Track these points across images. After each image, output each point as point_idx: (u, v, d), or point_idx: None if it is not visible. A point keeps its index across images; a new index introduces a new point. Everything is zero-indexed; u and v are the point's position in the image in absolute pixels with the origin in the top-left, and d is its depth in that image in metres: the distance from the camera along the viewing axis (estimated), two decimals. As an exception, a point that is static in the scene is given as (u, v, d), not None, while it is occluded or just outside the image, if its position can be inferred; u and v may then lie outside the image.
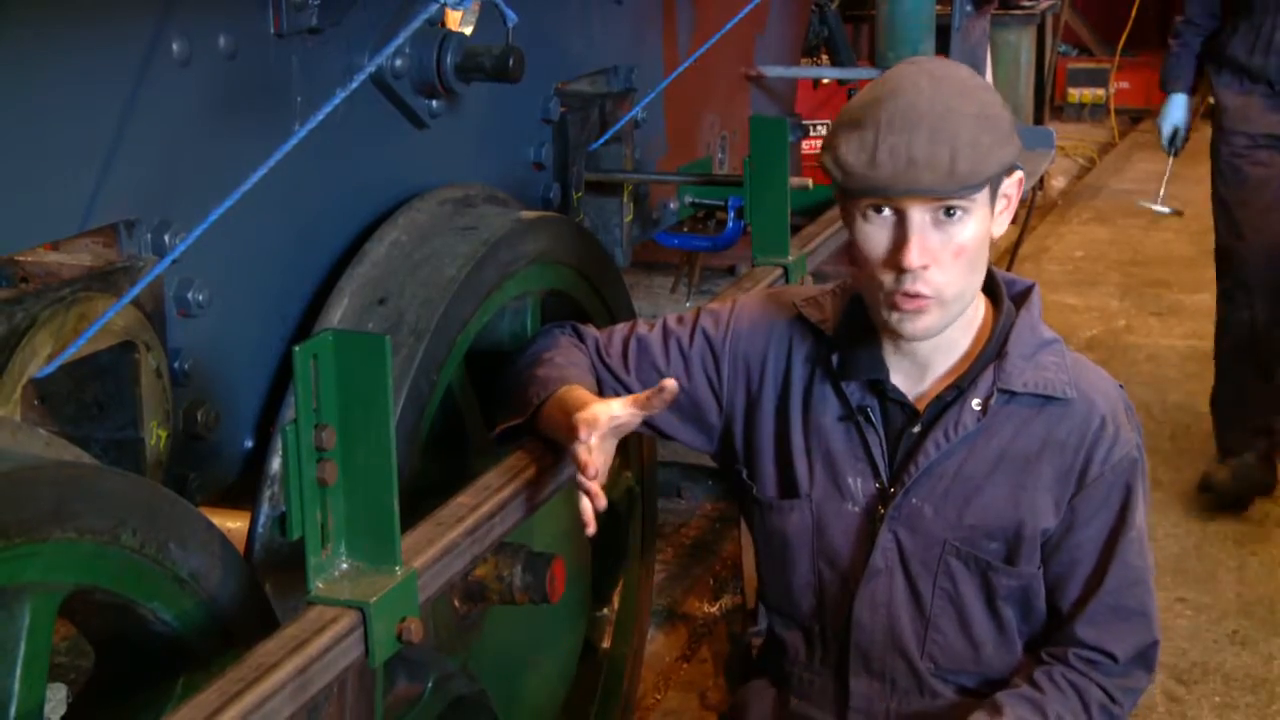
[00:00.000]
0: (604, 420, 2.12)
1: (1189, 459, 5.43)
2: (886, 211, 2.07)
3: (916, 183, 2.01)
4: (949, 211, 2.05)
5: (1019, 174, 2.15)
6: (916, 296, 2.07)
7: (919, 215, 2.05)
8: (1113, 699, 2.22)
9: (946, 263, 2.06)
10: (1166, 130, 5.23)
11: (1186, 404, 5.97)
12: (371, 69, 1.97)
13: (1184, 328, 7.07)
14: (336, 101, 1.96)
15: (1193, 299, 7.51)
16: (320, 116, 1.96)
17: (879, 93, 2.07)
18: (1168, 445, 5.56)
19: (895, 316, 2.11)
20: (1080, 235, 8.97)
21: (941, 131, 2.01)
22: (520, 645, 2.79)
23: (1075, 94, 12.31)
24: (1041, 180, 8.83)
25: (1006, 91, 7.57)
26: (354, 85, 1.96)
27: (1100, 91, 12.16)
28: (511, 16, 2.10)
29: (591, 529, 2.16)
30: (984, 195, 2.07)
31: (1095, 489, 2.19)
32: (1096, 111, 12.16)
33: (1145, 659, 2.24)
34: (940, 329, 2.14)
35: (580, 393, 2.23)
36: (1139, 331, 7.09)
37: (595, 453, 2.11)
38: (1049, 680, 2.21)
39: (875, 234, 2.08)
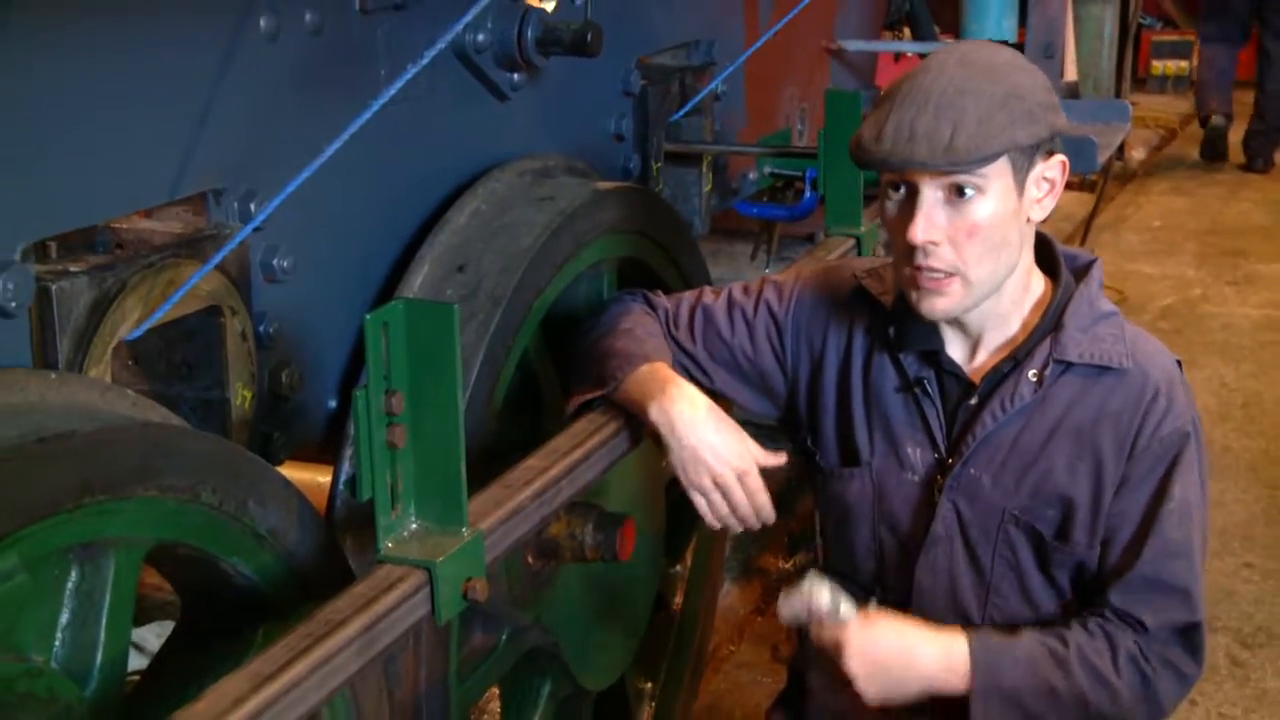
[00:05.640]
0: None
1: (1260, 426, 5.32)
2: (903, 190, 2.03)
3: (912, 156, 1.96)
4: (961, 191, 1.99)
5: (1059, 158, 2.07)
6: (935, 275, 2.02)
7: (930, 193, 2.00)
8: (1147, 659, 2.09)
9: (960, 241, 2.01)
10: None
11: (1259, 372, 5.84)
12: (443, 44, 1.95)
13: (1259, 297, 6.91)
14: (410, 74, 1.94)
15: (1270, 268, 7.33)
16: (395, 88, 1.95)
17: (909, 74, 2.03)
18: (1239, 413, 5.44)
19: (915, 295, 2.07)
20: (1159, 205, 8.78)
21: (948, 108, 1.96)
22: (593, 600, 2.77)
23: (1159, 66, 11.99)
24: (1122, 150, 8.66)
25: (1090, 63, 7.39)
26: (426, 60, 1.94)
27: (1183, 64, 11.85)
28: (581, -8, 2.07)
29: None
30: (1001, 177, 2.00)
31: (1143, 459, 2.11)
32: (1180, 83, 11.86)
33: (1186, 638, 2.11)
34: (962, 310, 2.08)
35: (665, 372, 2.22)
36: (1214, 300, 6.93)
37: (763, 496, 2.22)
38: (1079, 622, 2.12)
39: (893, 210, 2.05)
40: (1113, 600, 2.11)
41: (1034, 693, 2.06)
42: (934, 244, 2.00)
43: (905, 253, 2.04)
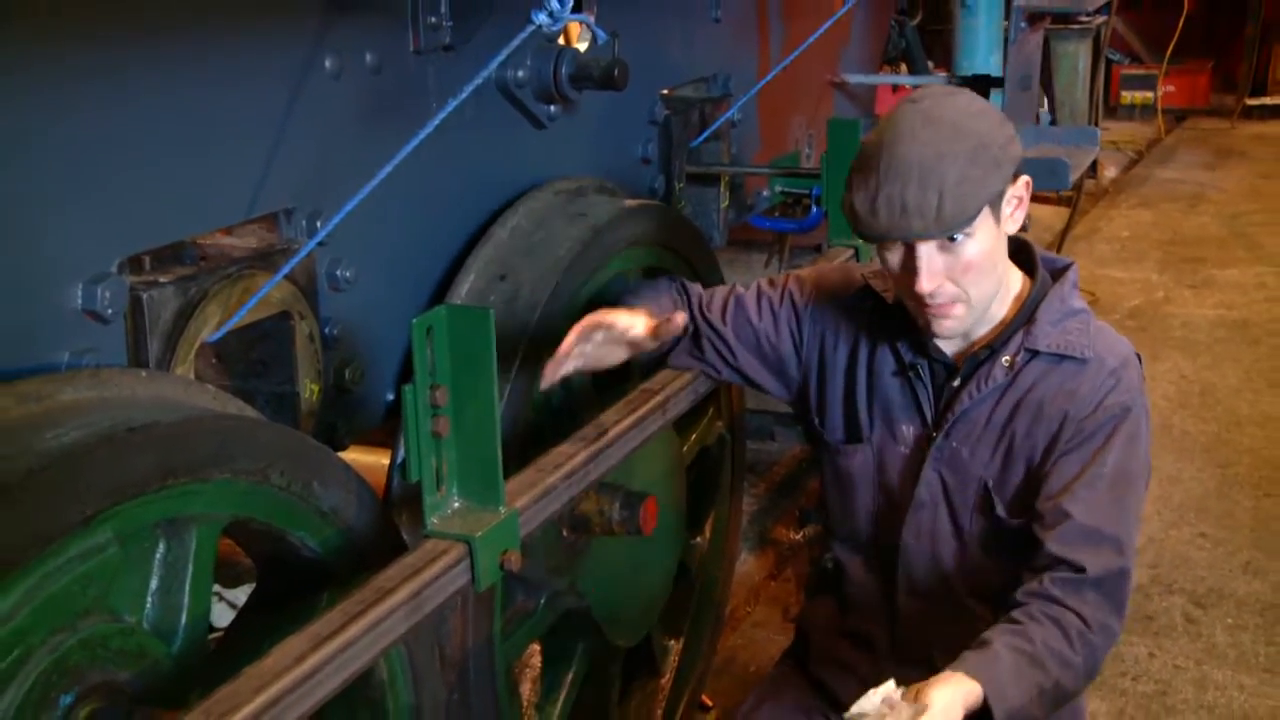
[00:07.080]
0: (598, 319, 2.13)
1: (1214, 413, 5.23)
2: (900, 246, 2.00)
3: (908, 230, 1.93)
4: (951, 238, 1.96)
5: (1024, 178, 2.03)
6: (941, 304, 2.02)
7: (926, 247, 1.98)
8: (1088, 625, 1.97)
9: (958, 276, 2.00)
10: None
11: (1214, 365, 5.76)
12: (480, 80, 1.92)
13: (1215, 299, 6.82)
14: (452, 107, 1.92)
15: (1224, 273, 7.24)
16: (439, 119, 1.92)
17: (882, 138, 1.97)
18: (1196, 401, 5.36)
19: (926, 321, 2.07)
20: (1128, 218, 8.68)
21: (931, 176, 1.91)
22: (623, 567, 2.74)
23: (1127, 96, 12.00)
24: (1094, 169, 8.57)
25: (1066, 94, 7.30)
26: (465, 93, 1.91)
27: (1149, 94, 11.82)
28: (601, 35, 2.03)
29: (543, 385, 2.15)
30: (984, 218, 1.97)
31: (1087, 424, 2.06)
32: (1146, 111, 11.81)
33: (1113, 590, 1.99)
34: (970, 324, 2.08)
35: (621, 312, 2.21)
36: (1175, 302, 6.84)
37: (572, 338, 2.10)
38: (1028, 617, 1.97)
39: (892, 259, 2.03)
40: (1049, 548, 2.00)
41: (1030, 699, 1.92)
42: (940, 287, 2.00)
43: (911, 295, 2.03)
